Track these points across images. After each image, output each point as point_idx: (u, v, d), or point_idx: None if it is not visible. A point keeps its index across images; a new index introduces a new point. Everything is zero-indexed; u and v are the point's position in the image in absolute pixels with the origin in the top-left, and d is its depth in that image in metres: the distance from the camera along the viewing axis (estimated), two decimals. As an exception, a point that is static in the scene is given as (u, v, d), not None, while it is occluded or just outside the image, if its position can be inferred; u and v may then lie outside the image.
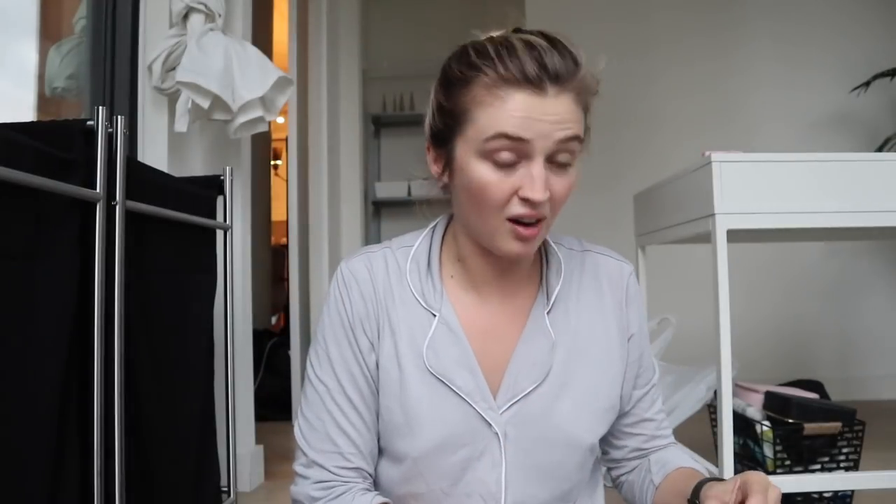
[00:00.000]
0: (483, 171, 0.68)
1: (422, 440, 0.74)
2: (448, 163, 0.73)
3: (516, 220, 0.69)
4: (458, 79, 0.70)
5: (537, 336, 0.77)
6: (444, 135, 0.72)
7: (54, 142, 0.97)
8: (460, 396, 0.74)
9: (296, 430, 0.80)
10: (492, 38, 0.70)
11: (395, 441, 0.76)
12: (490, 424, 0.74)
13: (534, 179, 0.66)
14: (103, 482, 1.02)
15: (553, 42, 0.69)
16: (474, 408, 0.74)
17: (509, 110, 0.65)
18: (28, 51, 1.72)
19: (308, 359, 0.81)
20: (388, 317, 0.77)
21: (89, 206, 1.05)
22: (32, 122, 1.09)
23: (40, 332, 0.93)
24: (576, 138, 0.68)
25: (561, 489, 0.78)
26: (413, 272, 0.79)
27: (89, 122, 1.06)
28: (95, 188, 1.05)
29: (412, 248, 0.80)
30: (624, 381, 0.82)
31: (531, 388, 0.75)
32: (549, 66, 0.66)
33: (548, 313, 0.78)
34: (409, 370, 0.75)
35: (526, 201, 0.67)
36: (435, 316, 0.76)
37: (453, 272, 0.79)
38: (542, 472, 0.76)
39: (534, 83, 0.65)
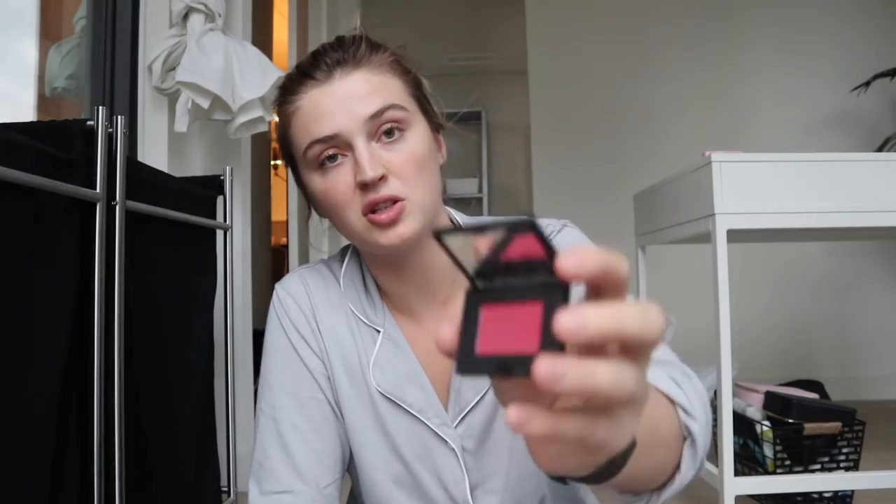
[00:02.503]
0: (318, 182, 0.67)
1: (376, 465, 0.71)
2: (307, 196, 0.73)
3: (371, 212, 0.65)
4: (278, 116, 0.72)
5: None
6: (291, 164, 0.73)
7: (54, 142, 0.97)
8: (411, 414, 0.71)
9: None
10: None
11: (353, 470, 0.74)
12: (446, 441, 0.70)
13: (359, 163, 0.63)
14: (103, 482, 1.02)
15: (338, 39, 0.70)
16: (427, 425, 0.70)
17: (307, 113, 0.66)
18: (28, 50, 1.72)
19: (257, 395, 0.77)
20: (332, 334, 0.74)
21: (89, 207, 1.05)
22: (32, 122, 1.09)
23: (40, 331, 0.92)
24: (389, 108, 0.65)
25: (535, 497, 0.73)
26: (349, 288, 0.76)
27: (89, 122, 1.06)
28: (95, 188, 1.05)
29: (343, 265, 0.78)
30: None
31: (478, 398, 0.70)
32: (329, 59, 0.66)
33: None
34: (357, 391, 0.72)
35: (364, 187, 0.64)
36: (379, 332, 0.73)
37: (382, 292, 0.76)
38: (510, 481, 0.71)
39: (319, 79, 0.66)
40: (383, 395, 0.71)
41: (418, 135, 0.67)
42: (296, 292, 0.76)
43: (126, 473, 1.09)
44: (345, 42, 0.68)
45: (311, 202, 0.74)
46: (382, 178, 0.64)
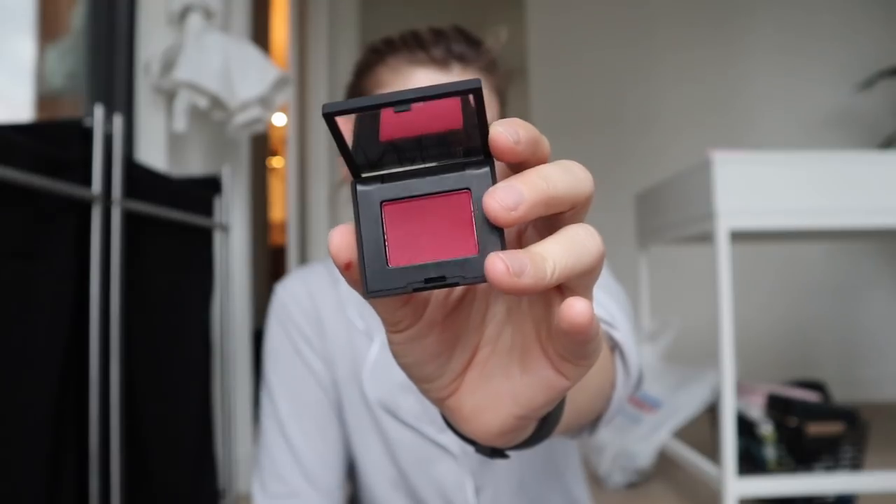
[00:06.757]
0: None
1: (373, 470, 0.71)
2: None
3: None
4: (363, 65, 0.68)
5: None
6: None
7: (52, 141, 0.97)
8: (408, 425, 0.69)
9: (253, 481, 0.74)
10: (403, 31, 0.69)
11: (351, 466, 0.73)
12: (445, 447, 0.69)
13: None
14: (100, 483, 1.01)
15: (460, 31, 0.68)
16: (423, 434, 0.69)
17: (413, 85, 0.64)
18: (26, 48, 1.71)
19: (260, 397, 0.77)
20: (335, 335, 0.72)
21: (87, 207, 1.04)
22: (31, 123, 1.08)
23: (37, 332, 0.91)
24: None
25: (546, 497, 0.74)
26: (350, 296, 0.74)
27: (87, 121, 1.05)
28: (92, 188, 1.04)
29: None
30: None
31: None
32: (454, 49, 0.65)
33: None
34: (359, 394, 0.71)
35: None
36: (374, 339, 0.71)
37: None
38: (521, 482, 0.71)
39: (438, 62, 0.64)
40: (379, 405, 0.70)
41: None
42: (298, 293, 0.74)
43: (123, 475, 1.08)
44: (474, 42, 0.67)
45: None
46: None
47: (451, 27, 0.67)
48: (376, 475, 0.71)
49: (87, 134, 1.04)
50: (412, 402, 0.70)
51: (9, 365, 0.86)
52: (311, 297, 0.74)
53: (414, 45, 0.65)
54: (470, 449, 0.69)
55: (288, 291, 0.74)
